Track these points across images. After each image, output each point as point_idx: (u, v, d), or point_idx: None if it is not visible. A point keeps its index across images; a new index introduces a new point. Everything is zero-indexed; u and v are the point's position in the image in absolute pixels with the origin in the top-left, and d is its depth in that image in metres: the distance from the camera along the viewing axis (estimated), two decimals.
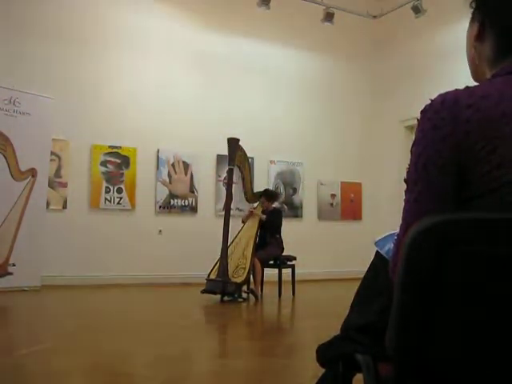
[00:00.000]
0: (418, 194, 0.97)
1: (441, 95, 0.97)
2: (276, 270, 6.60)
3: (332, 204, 9.31)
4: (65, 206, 7.45)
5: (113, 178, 7.73)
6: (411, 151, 0.99)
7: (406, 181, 1.00)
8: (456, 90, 1.02)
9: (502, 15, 1.04)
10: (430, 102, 0.98)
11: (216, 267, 6.30)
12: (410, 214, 0.98)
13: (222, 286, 6.06)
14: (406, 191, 1.00)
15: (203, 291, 6.11)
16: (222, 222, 6.44)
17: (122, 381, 2.89)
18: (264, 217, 6.66)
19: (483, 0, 1.07)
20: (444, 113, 0.94)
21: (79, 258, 7.26)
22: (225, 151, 6.79)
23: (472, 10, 1.10)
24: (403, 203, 1.00)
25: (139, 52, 7.99)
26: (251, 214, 6.79)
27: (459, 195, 0.94)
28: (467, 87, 0.98)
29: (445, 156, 0.93)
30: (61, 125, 7.16)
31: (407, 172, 1.00)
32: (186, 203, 8.19)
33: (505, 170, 0.89)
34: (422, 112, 0.98)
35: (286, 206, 8.75)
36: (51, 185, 7.25)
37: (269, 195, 6.94)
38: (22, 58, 7.19)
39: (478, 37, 1.08)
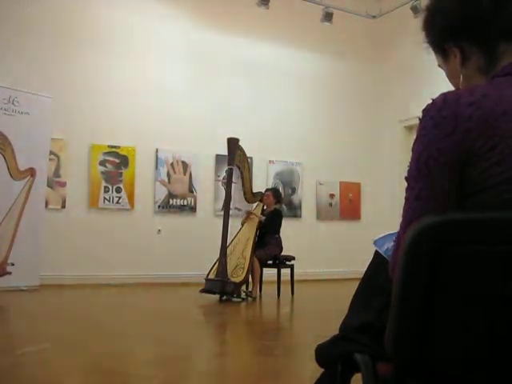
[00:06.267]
0: (418, 192, 0.97)
1: (442, 94, 0.98)
2: (275, 270, 6.60)
3: (331, 204, 9.31)
4: (64, 206, 7.44)
5: (112, 178, 7.72)
6: (413, 149, 1.00)
7: (406, 179, 1.00)
8: (457, 89, 1.02)
9: (483, 32, 1.08)
10: (431, 101, 0.99)
11: (215, 267, 6.30)
12: (411, 211, 0.98)
13: (220, 286, 6.06)
14: (406, 189, 1.00)
15: (202, 291, 6.11)
16: (220, 221, 6.44)
17: (120, 380, 2.89)
18: (263, 218, 6.66)
19: (462, 29, 1.10)
20: (445, 111, 0.95)
21: (78, 257, 7.25)
22: (224, 151, 6.79)
23: (440, 51, 1.16)
24: (403, 201, 1.01)
25: (139, 51, 7.98)
26: (249, 215, 6.79)
27: (459, 193, 0.94)
28: (468, 87, 0.99)
29: (446, 154, 0.94)
30: (60, 124, 7.16)
31: (408, 170, 1.00)
32: (185, 203, 8.19)
33: (504, 168, 0.90)
34: (423, 111, 0.99)
35: (284, 206, 8.74)
36: (50, 184, 7.24)
37: (276, 194, 6.98)
38: (21, 58, 7.17)
39: (461, 63, 1.12)
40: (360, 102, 9.51)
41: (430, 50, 1.20)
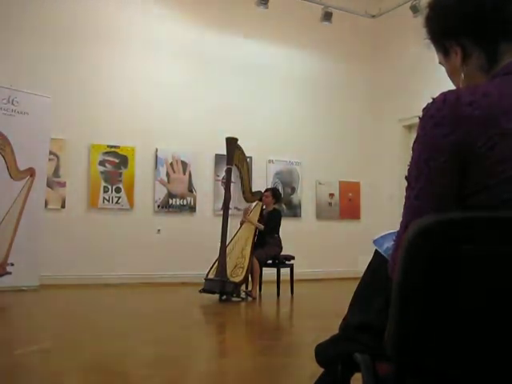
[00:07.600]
0: (418, 192, 0.97)
1: (442, 94, 0.98)
2: (274, 270, 6.60)
3: (330, 203, 9.31)
4: (63, 206, 7.44)
5: (111, 178, 7.72)
6: (413, 149, 1.00)
7: (407, 178, 1.00)
8: (457, 88, 1.02)
9: (484, 31, 1.08)
10: (431, 100, 0.99)
11: (214, 267, 6.29)
12: (411, 211, 0.98)
13: (220, 286, 6.05)
14: (406, 188, 1.00)
15: (202, 290, 6.11)
16: (220, 221, 6.44)
17: (120, 380, 2.88)
18: (262, 227, 6.63)
19: (463, 27, 1.11)
20: (445, 111, 0.95)
21: (78, 257, 7.25)
22: (223, 151, 6.78)
23: (442, 49, 1.17)
24: (403, 201, 1.00)
25: (138, 51, 7.98)
26: (246, 220, 6.75)
27: (459, 193, 0.94)
28: (469, 86, 0.99)
29: (446, 154, 0.94)
30: (59, 124, 7.16)
31: (408, 169, 1.00)
32: (185, 203, 8.18)
33: (504, 167, 0.90)
34: (423, 110, 0.99)
35: (284, 206, 8.74)
36: (50, 184, 7.24)
37: (275, 194, 6.97)
38: (20, 58, 7.18)
39: (462, 61, 1.12)
40: (359, 102, 9.51)
41: (432, 46, 1.20)
